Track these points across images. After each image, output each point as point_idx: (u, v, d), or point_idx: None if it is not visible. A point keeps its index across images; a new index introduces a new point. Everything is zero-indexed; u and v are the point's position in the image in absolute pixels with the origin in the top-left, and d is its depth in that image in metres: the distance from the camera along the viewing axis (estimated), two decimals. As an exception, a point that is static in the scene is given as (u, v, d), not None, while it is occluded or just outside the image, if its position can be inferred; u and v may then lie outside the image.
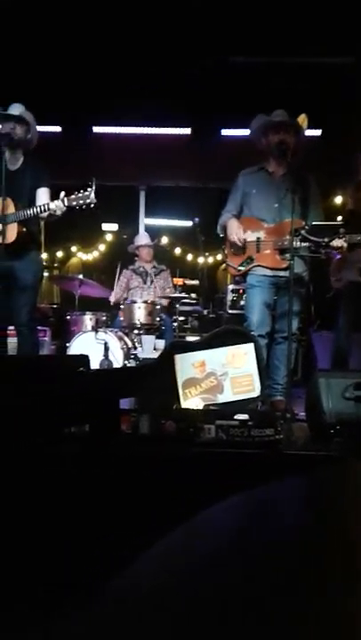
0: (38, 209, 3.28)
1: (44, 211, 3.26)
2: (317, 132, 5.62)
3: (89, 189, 3.22)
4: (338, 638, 0.39)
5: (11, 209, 3.30)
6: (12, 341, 3.65)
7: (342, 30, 4.48)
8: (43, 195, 3.44)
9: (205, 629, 0.41)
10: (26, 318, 3.44)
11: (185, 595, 0.48)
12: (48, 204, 3.26)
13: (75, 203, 3.23)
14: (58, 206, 3.23)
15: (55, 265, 7.96)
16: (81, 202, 3.22)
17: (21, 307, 3.41)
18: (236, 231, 3.40)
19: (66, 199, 3.24)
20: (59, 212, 3.26)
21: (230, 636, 0.39)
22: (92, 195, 3.21)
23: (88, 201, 3.22)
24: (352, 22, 4.35)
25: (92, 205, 3.23)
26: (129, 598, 0.48)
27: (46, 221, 3.51)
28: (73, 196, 3.24)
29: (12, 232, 3.28)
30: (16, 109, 3.39)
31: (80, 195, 3.23)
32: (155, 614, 0.44)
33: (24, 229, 3.32)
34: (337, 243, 3.16)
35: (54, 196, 3.34)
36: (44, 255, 7.65)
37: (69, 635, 0.43)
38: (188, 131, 6.06)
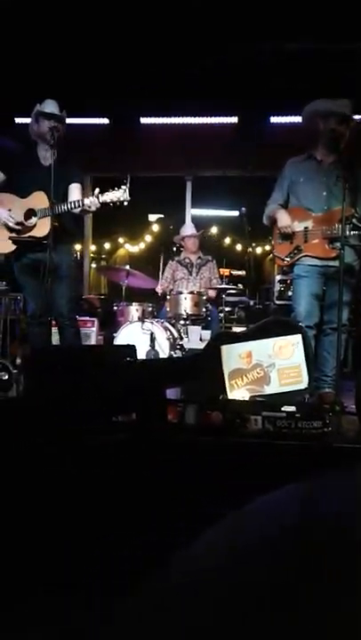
0: (72, 204, 3.33)
1: (78, 207, 3.31)
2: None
3: (123, 187, 3.25)
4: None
5: (45, 204, 3.35)
6: (56, 331, 3.71)
7: None
8: (75, 190, 3.49)
9: (254, 616, 0.41)
10: (65, 309, 3.49)
11: (235, 581, 0.48)
12: (82, 201, 3.30)
13: (109, 199, 3.27)
14: (93, 202, 3.27)
15: (103, 256, 8.07)
16: (115, 198, 3.26)
17: (59, 298, 3.47)
18: (285, 221, 3.34)
19: (100, 196, 3.27)
20: (93, 208, 3.30)
21: (285, 622, 0.39)
22: (127, 192, 3.25)
23: (122, 198, 3.25)
24: None
25: (126, 203, 3.27)
26: (182, 583, 0.48)
27: (78, 215, 3.54)
28: (108, 193, 3.27)
29: (45, 226, 3.34)
30: (52, 106, 3.44)
31: (115, 192, 3.27)
32: (208, 600, 0.44)
33: (56, 224, 3.36)
34: None
35: (90, 191, 3.38)
36: (92, 247, 7.77)
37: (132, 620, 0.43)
38: (235, 119, 5.99)
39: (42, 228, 3.35)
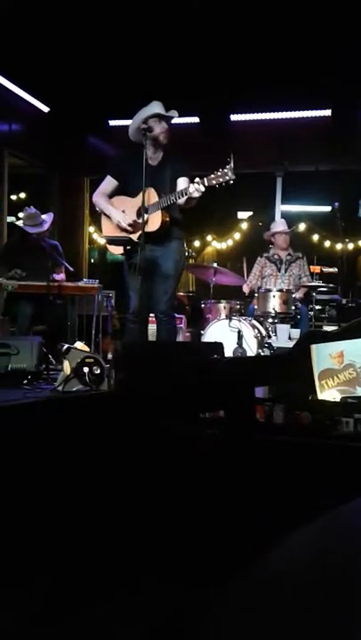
0: (178, 194, 3.30)
1: (184, 195, 3.26)
2: None
3: (227, 166, 3.14)
4: None
5: (154, 199, 3.41)
6: (152, 328, 3.79)
7: None
8: (183, 183, 3.47)
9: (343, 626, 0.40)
10: (165, 307, 3.54)
11: (314, 586, 0.47)
12: (187, 188, 3.25)
13: (214, 182, 3.17)
14: (197, 189, 3.20)
15: (192, 254, 8.14)
16: (220, 180, 3.16)
17: (161, 295, 3.52)
18: None
19: (206, 179, 3.19)
20: (196, 195, 3.22)
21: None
22: (231, 171, 3.13)
23: (227, 177, 3.14)
24: None
25: (232, 182, 3.15)
26: (267, 583, 0.48)
27: (184, 208, 3.53)
28: (212, 175, 3.18)
29: (155, 221, 3.38)
30: (160, 107, 3.48)
31: (219, 173, 3.17)
32: (295, 601, 0.44)
33: (167, 218, 3.41)
34: None
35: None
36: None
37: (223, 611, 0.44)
38: (328, 112, 5.81)
39: (153, 223, 3.39)
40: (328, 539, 0.59)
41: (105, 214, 3.61)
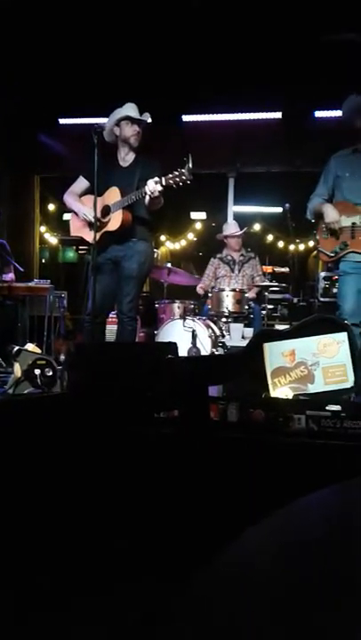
0: (138, 194, 3.29)
1: (143, 194, 3.25)
2: None
3: (185, 166, 3.15)
4: None
5: (117, 198, 3.37)
6: (110, 328, 3.75)
7: None
8: (150, 183, 3.45)
9: (299, 614, 0.39)
10: (127, 308, 3.50)
11: (278, 580, 0.47)
12: (144, 188, 3.24)
13: (172, 181, 3.18)
14: (154, 187, 3.19)
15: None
16: (178, 179, 3.17)
17: (124, 296, 3.48)
18: (333, 216, 3.27)
19: (163, 178, 3.19)
20: (156, 193, 3.21)
21: (326, 620, 0.38)
22: (188, 172, 3.14)
23: (185, 178, 3.15)
24: None
25: (189, 182, 3.16)
26: (225, 580, 0.47)
27: (152, 209, 3.48)
28: (170, 175, 3.18)
29: (116, 220, 3.36)
30: (133, 110, 3.46)
31: (177, 172, 3.17)
32: (262, 598, 0.43)
33: (129, 217, 3.37)
34: None
35: None
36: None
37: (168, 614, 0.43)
38: (278, 115, 5.91)
39: (114, 222, 3.38)
40: (286, 533, 0.59)
41: (74, 212, 3.60)
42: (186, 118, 6.07)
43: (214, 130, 6.15)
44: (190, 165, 3.13)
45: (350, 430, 2.04)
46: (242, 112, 6.00)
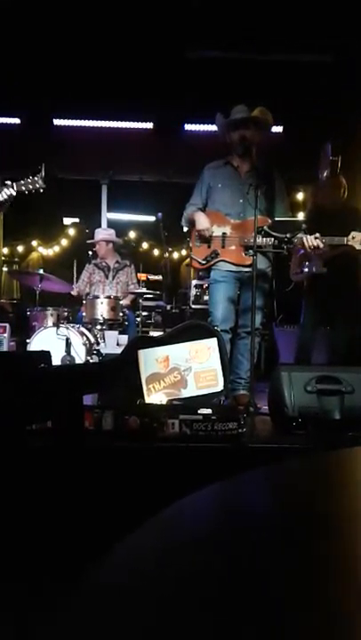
0: None
1: None
2: (279, 129, 5.66)
3: (38, 175, 3.23)
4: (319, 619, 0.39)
5: None
6: None
7: (317, 28, 4.51)
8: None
9: (187, 615, 0.41)
10: None
11: (163, 582, 0.48)
12: None
13: (24, 188, 3.23)
14: (5, 192, 3.21)
15: (15, 260, 7.81)
16: (30, 187, 3.22)
17: None
18: (204, 224, 3.39)
19: (15, 184, 3.22)
20: (5, 197, 3.22)
21: (215, 621, 0.39)
22: (41, 180, 3.22)
23: (37, 186, 3.23)
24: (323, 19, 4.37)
25: (42, 190, 3.24)
26: (107, 585, 0.47)
27: None
28: (22, 182, 3.23)
29: None
30: None
31: (29, 180, 3.23)
32: (131, 604, 0.43)
33: None
34: (312, 242, 3.17)
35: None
36: (5, 250, 7.49)
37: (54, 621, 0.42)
38: (150, 125, 6.01)
39: None
40: (168, 534, 0.60)
41: None
42: (57, 122, 5.95)
43: (87, 136, 6.09)
44: (43, 174, 3.22)
45: (220, 432, 2.13)
46: (114, 120, 6.01)
